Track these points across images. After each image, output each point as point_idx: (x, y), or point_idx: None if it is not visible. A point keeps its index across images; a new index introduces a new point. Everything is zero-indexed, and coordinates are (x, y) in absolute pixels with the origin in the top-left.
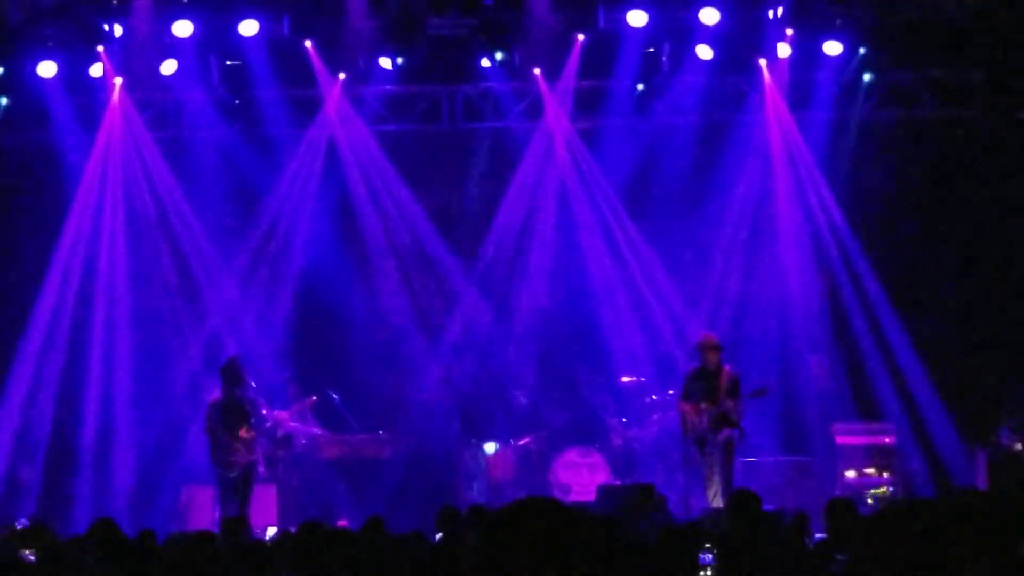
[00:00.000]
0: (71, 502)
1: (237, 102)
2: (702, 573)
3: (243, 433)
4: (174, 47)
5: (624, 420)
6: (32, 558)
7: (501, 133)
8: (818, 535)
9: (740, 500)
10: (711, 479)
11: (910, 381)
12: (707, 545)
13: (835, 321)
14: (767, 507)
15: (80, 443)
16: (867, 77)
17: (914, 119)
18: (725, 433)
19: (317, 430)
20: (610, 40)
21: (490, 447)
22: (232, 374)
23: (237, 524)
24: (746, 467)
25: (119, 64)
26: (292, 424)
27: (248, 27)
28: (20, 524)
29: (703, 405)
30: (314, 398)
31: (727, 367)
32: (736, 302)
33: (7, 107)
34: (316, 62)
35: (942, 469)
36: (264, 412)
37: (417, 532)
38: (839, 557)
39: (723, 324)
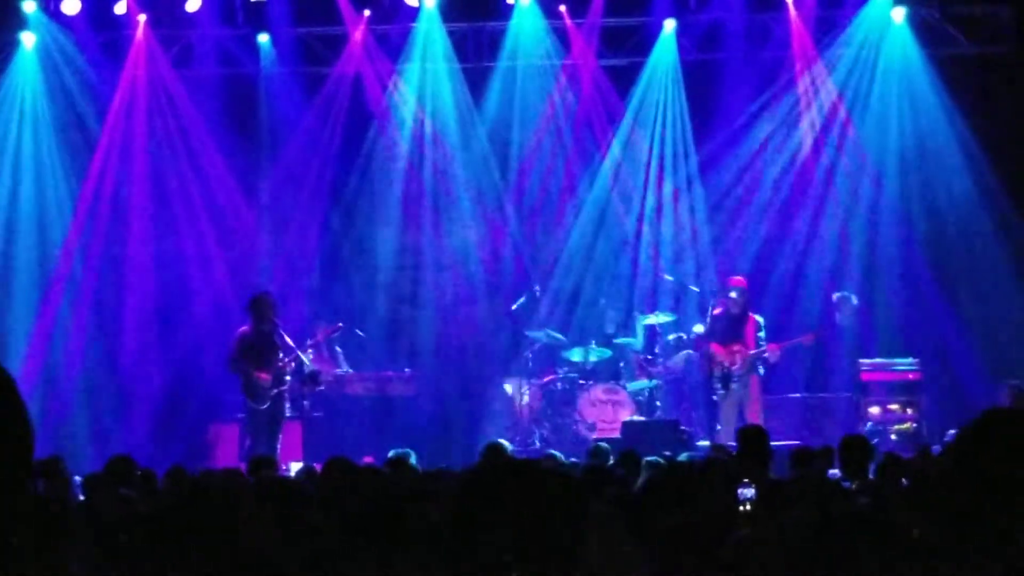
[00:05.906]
0: (89, 440)
1: (261, 39)
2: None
3: (270, 367)
4: None
5: (649, 357)
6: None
7: (526, 70)
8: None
9: (748, 435)
10: (729, 416)
11: (938, 318)
12: (746, 480)
13: (861, 259)
14: (792, 443)
15: (99, 379)
16: (897, 14)
17: (942, 56)
18: (754, 374)
19: (344, 367)
20: None
21: (514, 385)
22: (260, 310)
23: (263, 461)
24: (772, 404)
25: (143, 1)
26: (318, 362)
27: None
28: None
29: (736, 347)
30: (340, 324)
31: (751, 313)
32: (764, 240)
33: (35, 44)
34: None
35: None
36: (291, 348)
37: (443, 468)
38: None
39: (751, 262)
